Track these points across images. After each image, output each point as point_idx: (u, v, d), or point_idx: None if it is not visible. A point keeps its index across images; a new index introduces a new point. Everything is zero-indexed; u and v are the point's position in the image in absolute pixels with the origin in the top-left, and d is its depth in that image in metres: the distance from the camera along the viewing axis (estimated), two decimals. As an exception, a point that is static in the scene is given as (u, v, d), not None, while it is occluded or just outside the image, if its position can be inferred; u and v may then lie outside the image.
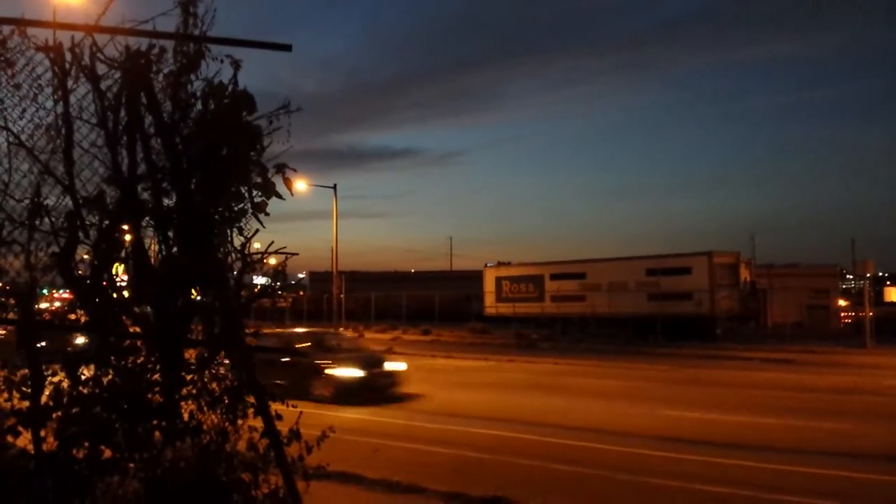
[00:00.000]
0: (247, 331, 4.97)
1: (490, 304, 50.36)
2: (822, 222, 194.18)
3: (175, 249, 4.76)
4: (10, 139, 4.85)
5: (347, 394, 17.45)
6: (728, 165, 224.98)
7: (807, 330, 42.25)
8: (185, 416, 4.82)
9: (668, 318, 39.84)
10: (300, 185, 34.45)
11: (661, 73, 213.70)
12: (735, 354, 30.83)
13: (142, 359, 4.78)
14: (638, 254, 44.08)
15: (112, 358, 4.70)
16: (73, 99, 4.72)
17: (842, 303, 49.53)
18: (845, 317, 47.04)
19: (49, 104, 4.75)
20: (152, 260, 4.82)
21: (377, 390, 18.04)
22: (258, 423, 4.84)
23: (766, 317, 46.49)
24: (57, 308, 5.29)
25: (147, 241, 4.81)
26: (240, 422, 4.89)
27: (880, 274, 52.86)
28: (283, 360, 17.80)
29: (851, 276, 62.80)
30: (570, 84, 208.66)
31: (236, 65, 4.59)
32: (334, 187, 51.19)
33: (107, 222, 4.75)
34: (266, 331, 17.27)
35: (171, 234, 4.76)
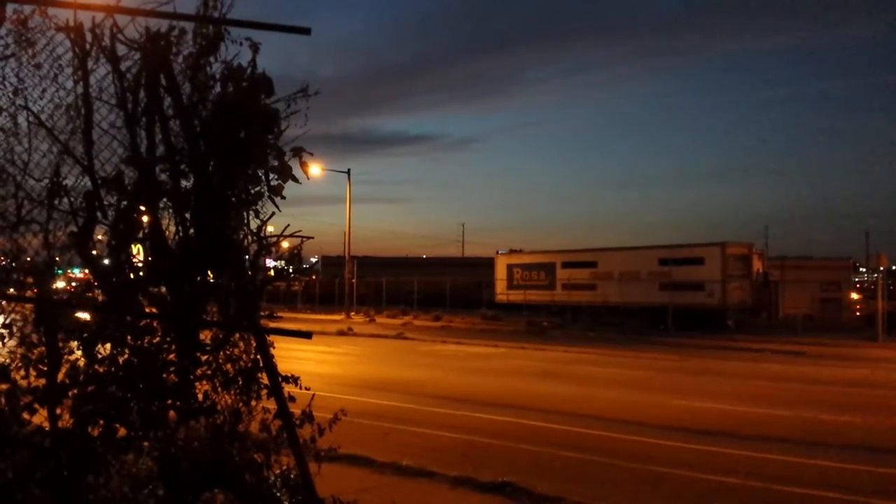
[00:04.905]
0: (261, 313, 5.01)
1: (501, 291, 50.37)
2: (836, 215, 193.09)
3: (192, 231, 4.79)
4: (31, 119, 4.88)
5: None
6: (742, 156, 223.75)
7: (818, 322, 42.09)
8: (200, 396, 4.86)
9: (680, 308, 39.76)
10: (314, 169, 34.53)
11: (677, 61, 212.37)
12: (746, 346, 30.74)
13: (157, 339, 4.82)
14: (650, 243, 44.05)
15: (128, 337, 4.74)
16: (92, 80, 4.74)
17: (854, 296, 49.27)
18: (858, 310, 46.80)
19: (69, 85, 4.78)
20: (169, 241, 4.85)
21: None
22: (271, 405, 4.89)
23: (777, 309, 46.34)
24: (74, 287, 5.35)
25: (164, 222, 4.85)
26: (253, 403, 4.93)
27: (894, 268, 52.48)
28: None
29: (864, 270, 62.49)
30: (586, 71, 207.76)
31: (255, 48, 4.60)
32: (348, 172, 51.43)
33: (125, 203, 4.78)
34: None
35: (188, 215, 4.79)
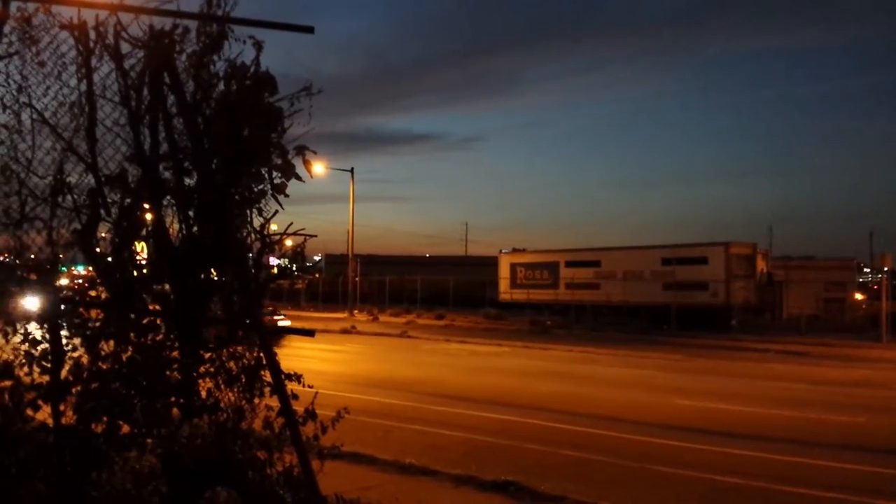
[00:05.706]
0: (264, 311, 5.02)
1: (504, 290, 50.28)
2: (840, 215, 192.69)
3: (195, 229, 4.80)
4: (34, 116, 4.89)
5: None
6: (746, 156, 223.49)
7: (822, 323, 41.95)
8: (203, 393, 4.88)
9: (683, 307, 39.64)
10: (318, 167, 34.56)
11: (677, 61, 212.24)
12: (750, 345, 30.65)
13: (160, 336, 4.83)
14: (653, 243, 43.92)
15: (131, 335, 4.75)
16: (96, 77, 4.76)
17: (858, 296, 49.08)
18: (862, 310, 46.61)
19: (73, 82, 4.80)
20: (172, 238, 4.86)
21: None
22: (274, 403, 4.89)
23: (781, 309, 46.21)
24: (77, 284, 5.36)
25: (167, 219, 4.86)
26: (256, 400, 4.94)
27: (898, 268, 52.35)
28: None
29: (869, 270, 62.35)
30: (587, 71, 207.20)
31: (259, 46, 4.62)
32: (351, 171, 51.54)
33: (128, 200, 4.79)
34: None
35: (191, 213, 4.81)
